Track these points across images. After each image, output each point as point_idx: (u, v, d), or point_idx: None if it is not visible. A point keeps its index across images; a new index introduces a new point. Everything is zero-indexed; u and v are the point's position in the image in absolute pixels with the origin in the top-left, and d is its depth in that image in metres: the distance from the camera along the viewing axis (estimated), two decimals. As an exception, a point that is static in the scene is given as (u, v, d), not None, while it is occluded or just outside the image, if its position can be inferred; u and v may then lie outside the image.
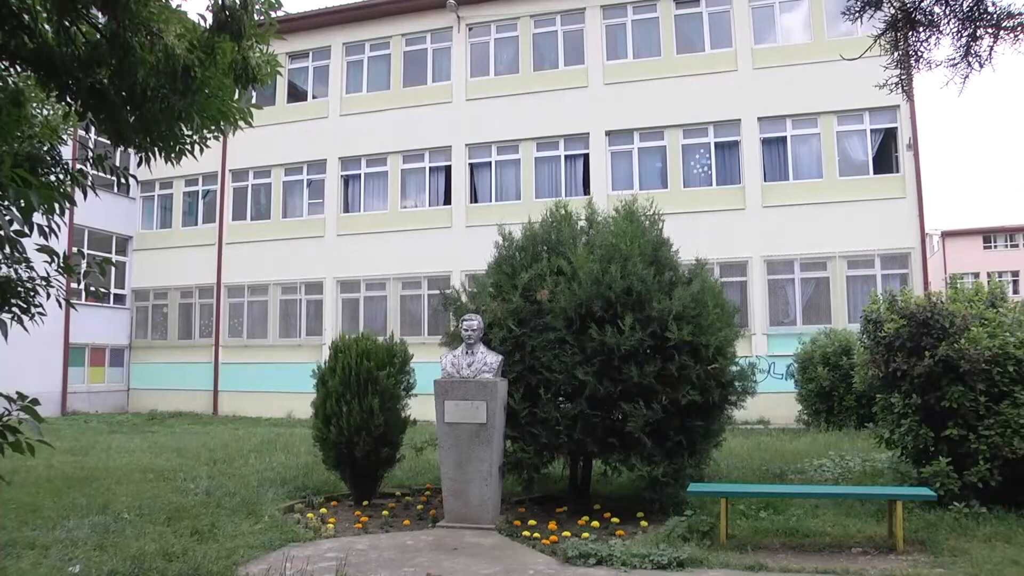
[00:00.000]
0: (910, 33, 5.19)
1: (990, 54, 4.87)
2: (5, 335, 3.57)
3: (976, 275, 51.79)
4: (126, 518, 7.61)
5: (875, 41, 5.42)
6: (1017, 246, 60.19)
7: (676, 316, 7.81)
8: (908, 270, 18.60)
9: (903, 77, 5.46)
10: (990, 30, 4.79)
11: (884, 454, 9.41)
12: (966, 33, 4.90)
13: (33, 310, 4.44)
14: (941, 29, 5.04)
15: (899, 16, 5.22)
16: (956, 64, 5.00)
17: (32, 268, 4.40)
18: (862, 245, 18.76)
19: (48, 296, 4.52)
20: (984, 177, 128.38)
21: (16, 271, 4.34)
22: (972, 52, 4.91)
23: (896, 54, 5.40)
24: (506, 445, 8.19)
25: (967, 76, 4.99)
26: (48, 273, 4.42)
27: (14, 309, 4.30)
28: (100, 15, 4.18)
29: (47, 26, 4.19)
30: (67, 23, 4.06)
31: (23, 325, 4.36)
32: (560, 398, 8.15)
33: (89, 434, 16.34)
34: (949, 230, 61.05)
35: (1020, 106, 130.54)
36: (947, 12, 4.96)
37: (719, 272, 18.08)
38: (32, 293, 4.41)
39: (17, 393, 3.38)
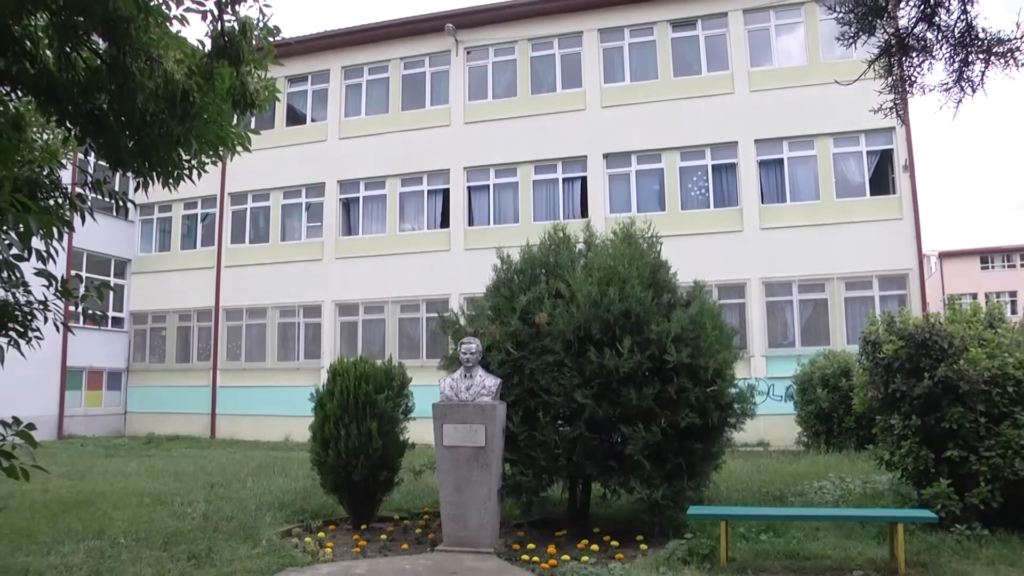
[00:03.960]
0: (903, 58, 5.24)
1: (982, 79, 4.92)
2: (1, 360, 3.57)
3: (974, 296, 51.68)
4: (122, 543, 7.55)
5: (869, 66, 5.47)
6: (1015, 266, 60.33)
7: (675, 338, 7.80)
8: (906, 291, 18.61)
9: (897, 102, 5.51)
10: (981, 55, 4.84)
11: (884, 476, 9.37)
12: (958, 58, 4.95)
13: (30, 334, 4.44)
14: (934, 54, 5.09)
15: (892, 42, 5.27)
16: (949, 89, 5.05)
17: (30, 292, 4.41)
18: (860, 266, 18.77)
19: (46, 320, 4.52)
20: (981, 198, 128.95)
21: (14, 295, 4.35)
22: (964, 77, 4.95)
23: (890, 79, 5.44)
24: (505, 468, 8.15)
25: (960, 100, 5.04)
26: (46, 297, 4.43)
27: (11, 333, 4.30)
28: (101, 41, 4.22)
29: (48, 52, 4.23)
30: (68, 49, 4.10)
31: (19, 350, 4.36)
32: (559, 421, 8.13)
33: (85, 458, 16.25)
34: (946, 251, 61.20)
35: (1016, 127, 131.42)
36: (939, 38, 5.01)
37: (717, 294, 18.08)
38: (30, 317, 4.41)
39: (13, 418, 3.38)
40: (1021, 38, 4.72)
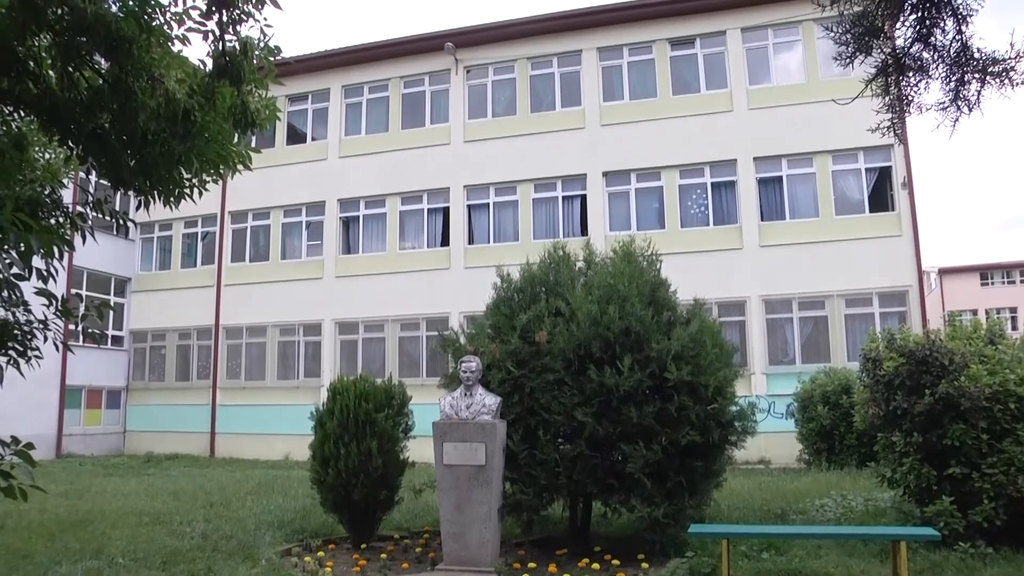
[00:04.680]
0: (900, 78, 5.28)
1: (978, 98, 4.95)
2: (0, 379, 3.56)
3: (974, 312, 51.78)
4: (120, 563, 7.50)
5: (866, 86, 5.50)
6: (1014, 283, 60.36)
7: (675, 356, 7.79)
8: (906, 308, 18.61)
9: (895, 121, 5.53)
10: (977, 75, 4.87)
11: (886, 493, 9.32)
12: (954, 78, 4.98)
13: (30, 353, 4.44)
14: (930, 74, 5.13)
15: (889, 61, 5.31)
16: (946, 108, 5.08)
17: (30, 311, 4.41)
18: (860, 284, 18.78)
19: (45, 339, 4.52)
20: (980, 214, 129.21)
21: (14, 314, 4.35)
22: (961, 96, 4.98)
23: (887, 98, 5.47)
24: (505, 487, 8.11)
25: (957, 120, 5.07)
26: (46, 316, 4.43)
27: (10, 352, 4.30)
28: (103, 61, 4.25)
29: (51, 72, 4.25)
30: (70, 68, 4.13)
31: (19, 369, 4.35)
32: (559, 439, 8.09)
33: (84, 477, 16.17)
34: (946, 267, 61.27)
35: (1014, 144, 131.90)
36: (935, 57, 5.04)
37: (717, 312, 18.09)
38: (29, 336, 4.41)
39: (11, 437, 3.37)
40: (1015, 58, 4.75)
